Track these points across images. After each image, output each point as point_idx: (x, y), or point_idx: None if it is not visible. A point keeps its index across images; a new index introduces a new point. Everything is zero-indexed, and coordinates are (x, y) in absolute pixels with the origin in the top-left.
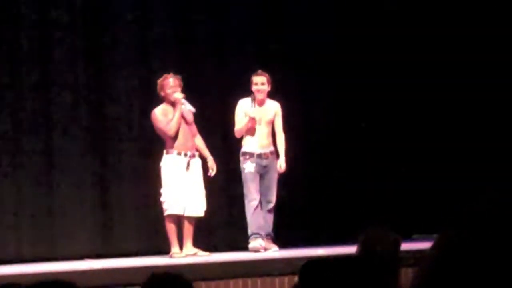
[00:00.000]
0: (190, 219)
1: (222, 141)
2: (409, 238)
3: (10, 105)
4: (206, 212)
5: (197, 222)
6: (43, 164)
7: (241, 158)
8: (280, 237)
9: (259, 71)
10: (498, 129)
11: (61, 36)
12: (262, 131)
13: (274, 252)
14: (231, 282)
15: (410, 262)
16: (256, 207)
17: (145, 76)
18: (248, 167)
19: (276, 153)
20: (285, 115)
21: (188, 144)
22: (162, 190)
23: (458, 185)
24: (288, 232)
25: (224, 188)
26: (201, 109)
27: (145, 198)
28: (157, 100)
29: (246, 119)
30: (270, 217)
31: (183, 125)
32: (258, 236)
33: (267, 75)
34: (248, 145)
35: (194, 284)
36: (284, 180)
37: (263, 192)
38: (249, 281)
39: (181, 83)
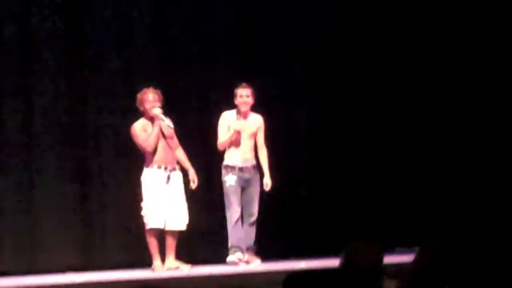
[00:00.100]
0: (172, 232)
1: (204, 153)
2: (392, 251)
3: None
4: (188, 225)
5: (179, 235)
6: (25, 176)
7: (223, 171)
8: (262, 250)
9: (243, 84)
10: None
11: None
12: (245, 144)
13: (256, 265)
14: None
15: (393, 274)
16: (237, 219)
17: (128, 88)
18: (229, 180)
19: (258, 167)
20: (267, 127)
21: (168, 158)
22: (142, 204)
23: (442, 199)
24: (270, 245)
25: (206, 201)
26: (183, 121)
27: (128, 211)
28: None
29: (230, 132)
30: (252, 230)
31: (163, 139)
32: (237, 249)
33: (251, 87)
34: (231, 158)
35: None
36: (266, 193)
37: (245, 205)
38: None
39: (161, 97)
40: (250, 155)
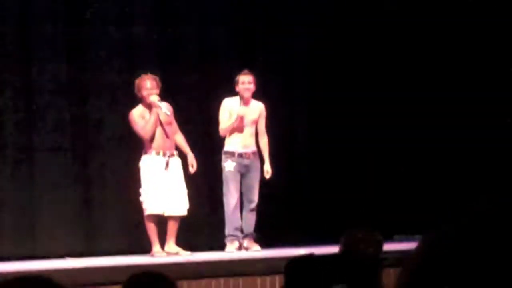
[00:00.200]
0: (174, 218)
1: (205, 139)
2: (390, 239)
3: None
4: (188, 211)
5: (180, 221)
6: (24, 161)
7: (223, 157)
8: (262, 237)
9: (246, 70)
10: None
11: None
12: (246, 130)
13: (256, 252)
14: (213, 281)
15: (391, 262)
16: (234, 207)
17: (128, 75)
18: (228, 165)
19: (258, 154)
20: (268, 116)
21: (166, 144)
22: (141, 190)
23: (441, 187)
24: (270, 232)
25: (207, 187)
26: (184, 107)
27: (127, 197)
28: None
29: (233, 118)
30: (252, 217)
31: (161, 126)
32: (234, 238)
33: (252, 74)
34: (231, 144)
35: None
36: (266, 179)
37: (245, 192)
38: (231, 281)
39: (159, 84)
40: (251, 141)
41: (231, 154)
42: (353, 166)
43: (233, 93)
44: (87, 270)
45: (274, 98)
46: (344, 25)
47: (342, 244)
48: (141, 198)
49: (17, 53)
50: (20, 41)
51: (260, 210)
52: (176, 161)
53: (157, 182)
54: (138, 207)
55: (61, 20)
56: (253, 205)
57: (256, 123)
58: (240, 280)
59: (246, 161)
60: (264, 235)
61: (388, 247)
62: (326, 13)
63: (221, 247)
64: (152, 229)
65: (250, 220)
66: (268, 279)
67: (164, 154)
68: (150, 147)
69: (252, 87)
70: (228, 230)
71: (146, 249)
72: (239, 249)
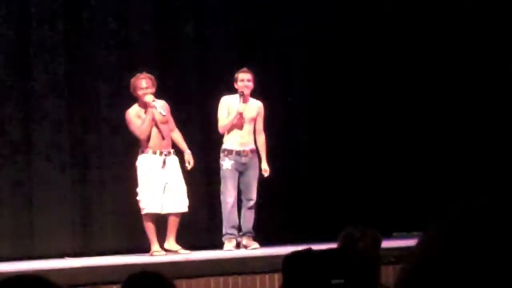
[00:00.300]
0: (174, 215)
1: (203, 137)
2: (389, 236)
3: None
4: (188, 207)
5: (181, 218)
6: (22, 161)
7: (221, 155)
8: (261, 234)
9: (244, 68)
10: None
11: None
12: (245, 128)
13: (255, 250)
14: (212, 280)
15: (390, 260)
16: (232, 205)
17: (127, 74)
18: (225, 163)
19: (256, 152)
20: (267, 114)
21: (162, 143)
22: (138, 189)
23: (440, 184)
24: (268, 230)
25: (205, 184)
26: (182, 105)
27: (126, 196)
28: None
29: (232, 115)
30: (251, 215)
31: (157, 125)
32: (232, 236)
33: (251, 72)
34: (229, 142)
35: (175, 282)
36: (265, 178)
37: (243, 190)
38: (230, 279)
39: (155, 83)
40: (248, 139)
41: (229, 152)
42: (352, 164)
43: (232, 91)
44: (86, 269)
45: (272, 96)
46: (344, 24)
47: (340, 241)
48: (138, 198)
49: (16, 54)
50: (19, 42)
51: (259, 208)
52: (173, 159)
53: (154, 181)
54: (136, 206)
55: (60, 20)
56: (252, 203)
57: (254, 121)
58: (239, 279)
59: (244, 159)
60: (263, 233)
61: (386, 244)
62: (325, 12)
63: (220, 245)
64: (150, 228)
65: (248, 218)
66: (267, 277)
67: (160, 153)
68: (146, 146)
69: (251, 84)
70: (225, 228)
71: (145, 248)
72: (236, 247)
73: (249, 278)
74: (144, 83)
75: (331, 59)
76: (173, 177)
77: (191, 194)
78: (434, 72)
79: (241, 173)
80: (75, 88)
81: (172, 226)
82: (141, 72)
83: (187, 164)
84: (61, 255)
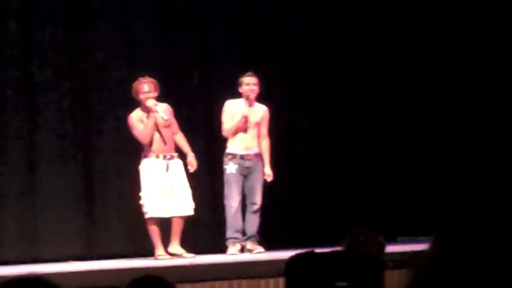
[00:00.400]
0: (179, 218)
1: (207, 141)
2: (393, 240)
3: None
4: (194, 210)
5: (185, 222)
6: (27, 164)
7: (225, 159)
8: (266, 239)
9: (250, 72)
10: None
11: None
12: (249, 132)
13: (260, 254)
14: (217, 284)
15: (394, 264)
16: (236, 209)
17: (130, 77)
18: (229, 168)
19: (261, 156)
20: (269, 118)
21: (165, 147)
22: (141, 193)
23: (444, 188)
24: (273, 234)
25: (209, 188)
26: (185, 109)
27: (130, 200)
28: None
29: (237, 118)
30: (255, 219)
31: (159, 129)
32: (235, 240)
33: (256, 76)
34: (233, 146)
35: (179, 286)
36: (268, 182)
37: (248, 194)
38: (234, 283)
39: (157, 87)
40: (253, 143)
41: (233, 156)
42: (355, 168)
43: (235, 95)
44: (90, 273)
45: (275, 100)
46: (345, 27)
47: (345, 245)
48: (141, 202)
49: (19, 54)
50: (22, 43)
51: (263, 212)
52: (177, 163)
53: (158, 185)
54: (140, 210)
55: (61, 22)
56: (256, 207)
57: (259, 125)
58: (244, 283)
59: (248, 163)
60: (267, 237)
61: (391, 248)
62: (326, 14)
63: (223, 249)
64: (154, 232)
65: (253, 222)
66: (271, 281)
67: (164, 157)
68: (149, 150)
69: (256, 89)
70: (229, 232)
71: (149, 252)
72: (241, 251)
73: (253, 282)
74: (146, 87)
75: (333, 62)
76: (177, 180)
77: (195, 198)
78: (437, 73)
79: (245, 177)
80: (78, 93)
81: (177, 230)
82: (143, 76)
83: (190, 167)
84: (65, 259)
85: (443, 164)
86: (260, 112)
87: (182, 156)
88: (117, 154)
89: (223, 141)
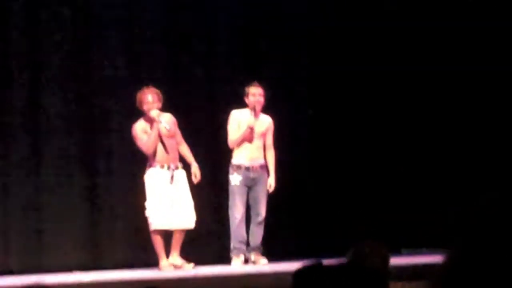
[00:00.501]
0: (179, 231)
1: (212, 151)
2: (398, 252)
3: None
4: (195, 223)
5: (186, 233)
6: (32, 175)
7: (230, 170)
8: (268, 249)
9: (256, 83)
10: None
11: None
12: (254, 143)
13: (263, 265)
14: None
15: (399, 276)
16: (240, 220)
17: (134, 86)
18: (234, 179)
19: (266, 167)
20: (274, 129)
21: (169, 157)
22: (146, 204)
23: (448, 200)
24: (276, 245)
25: (213, 199)
26: (190, 120)
27: (134, 210)
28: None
29: (243, 129)
30: (259, 230)
31: (163, 139)
32: (240, 252)
33: (262, 87)
34: (238, 157)
35: None
36: (273, 193)
37: (252, 205)
38: None
39: (161, 97)
40: (258, 154)
41: (238, 167)
42: (359, 178)
43: (240, 105)
44: (94, 284)
45: (276, 108)
46: (347, 35)
47: (349, 257)
48: (147, 213)
49: (26, 66)
50: (28, 49)
51: (267, 223)
52: (181, 174)
53: (162, 196)
54: (145, 220)
55: (69, 33)
56: (260, 218)
57: (264, 136)
58: None
59: (253, 174)
60: (271, 248)
61: (395, 261)
62: (327, 21)
63: (227, 260)
64: (158, 243)
65: (257, 234)
66: None
67: (168, 167)
68: (153, 160)
69: (262, 99)
70: (233, 243)
71: (153, 263)
72: (244, 262)
73: None
74: (150, 98)
75: (333, 70)
76: (181, 191)
77: (198, 208)
78: (441, 76)
79: (250, 188)
80: (83, 104)
81: (177, 241)
82: (147, 86)
83: (193, 178)
84: (70, 269)
85: (449, 177)
86: (265, 122)
87: (186, 166)
88: (123, 164)
89: (227, 151)
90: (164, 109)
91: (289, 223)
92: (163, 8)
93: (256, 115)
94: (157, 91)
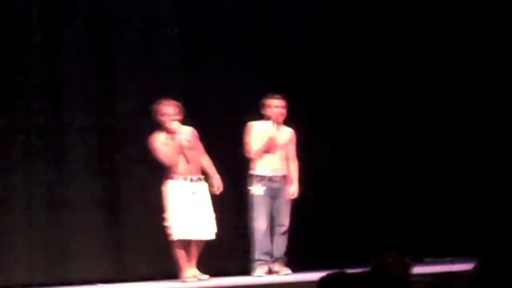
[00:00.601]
0: (199, 242)
1: (233, 163)
2: (420, 261)
3: (19, 139)
4: (216, 234)
5: (207, 245)
6: (55, 190)
7: (251, 181)
8: (291, 260)
9: (277, 95)
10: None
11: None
12: (276, 154)
13: (287, 275)
14: None
15: (421, 286)
16: (265, 231)
17: (152, 98)
18: (257, 190)
19: (289, 177)
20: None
21: (191, 168)
22: (167, 215)
23: (470, 209)
24: (300, 256)
25: (234, 210)
26: (211, 132)
27: (157, 222)
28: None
29: (264, 140)
30: (283, 241)
31: (184, 151)
32: (263, 262)
33: (283, 98)
34: (260, 168)
35: None
36: (295, 203)
37: (275, 215)
38: None
39: (181, 109)
40: (281, 165)
41: (261, 178)
42: (381, 188)
43: (258, 117)
44: None
45: (298, 122)
46: (365, 54)
47: (372, 267)
48: (167, 224)
49: (45, 72)
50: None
51: (290, 234)
52: (203, 185)
53: (185, 207)
54: (166, 231)
55: (86, 44)
56: (284, 228)
57: (286, 147)
58: None
59: (276, 185)
60: (293, 258)
61: (418, 269)
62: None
63: (247, 271)
64: (181, 255)
65: (280, 244)
66: None
67: (191, 179)
68: (175, 172)
69: (284, 111)
70: (257, 255)
71: (176, 275)
72: (268, 273)
73: None
74: (169, 110)
75: (353, 87)
76: (202, 203)
77: (219, 220)
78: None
79: (272, 199)
80: (102, 118)
81: (195, 252)
82: (166, 98)
83: (215, 189)
84: (93, 281)
85: (472, 186)
86: (287, 134)
87: (207, 178)
88: (145, 175)
89: (247, 162)
90: (184, 121)
91: (310, 232)
92: (182, 19)
93: (277, 127)
94: (177, 103)
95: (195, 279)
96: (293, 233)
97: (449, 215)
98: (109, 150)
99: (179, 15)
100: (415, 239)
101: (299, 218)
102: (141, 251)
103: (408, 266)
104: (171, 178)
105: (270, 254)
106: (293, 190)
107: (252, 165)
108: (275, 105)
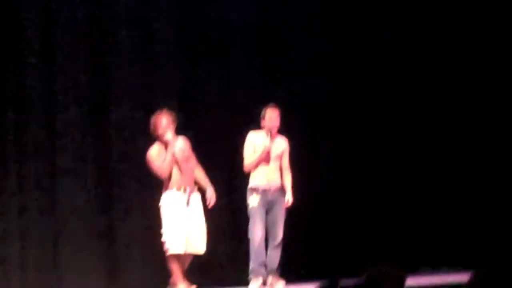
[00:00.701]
0: (190, 255)
1: (226, 173)
2: (416, 271)
3: (14, 152)
4: (212, 246)
5: (203, 256)
6: (50, 202)
7: (248, 193)
8: (286, 272)
9: (272, 105)
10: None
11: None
12: (271, 165)
13: (281, 287)
14: None
15: None
16: (260, 242)
17: (149, 108)
18: (252, 201)
19: (283, 189)
20: (290, 148)
21: (186, 179)
22: (162, 230)
23: (466, 218)
24: (293, 268)
25: (229, 222)
26: (206, 144)
27: (152, 233)
28: None
29: (258, 152)
30: (277, 252)
31: (178, 163)
32: (259, 274)
33: (278, 108)
34: (255, 179)
35: None
36: (289, 215)
37: (270, 227)
38: None
39: (175, 119)
40: (275, 176)
41: (256, 189)
42: (376, 198)
43: (255, 126)
44: None
45: (295, 132)
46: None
47: (366, 278)
48: (163, 239)
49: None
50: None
51: (285, 245)
52: (197, 197)
53: (180, 219)
54: (161, 245)
55: (83, 52)
56: (278, 240)
57: (280, 158)
58: None
59: (270, 197)
60: (287, 270)
61: (413, 279)
62: (344, 40)
63: (243, 283)
64: (175, 267)
65: (274, 256)
66: None
67: (185, 190)
68: (169, 183)
69: (278, 123)
70: (253, 265)
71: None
72: (263, 285)
73: None
74: (164, 122)
75: (353, 92)
76: (195, 215)
77: (214, 231)
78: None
79: (267, 211)
80: (98, 126)
81: (185, 264)
82: (161, 108)
83: (209, 201)
84: None
85: (469, 196)
86: (281, 144)
87: (200, 190)
88: (140, 186)
89: (243, 173)
90: (178, 131)
91: (307, 245)
92: (179, 23)
93: (272, 138)
94: (171, 113)
95: None
96: (287, 245)
97: (446, 225)
98: (103, 157)
99: (178, 17)
100: (411, 250)
101: (293, 229)
102: (137, 262)
103: (402, 278)
104: (166, 189)
105: (265, 265)
106: (288, 197)
107: (248, 177)
108: (269, 116)
